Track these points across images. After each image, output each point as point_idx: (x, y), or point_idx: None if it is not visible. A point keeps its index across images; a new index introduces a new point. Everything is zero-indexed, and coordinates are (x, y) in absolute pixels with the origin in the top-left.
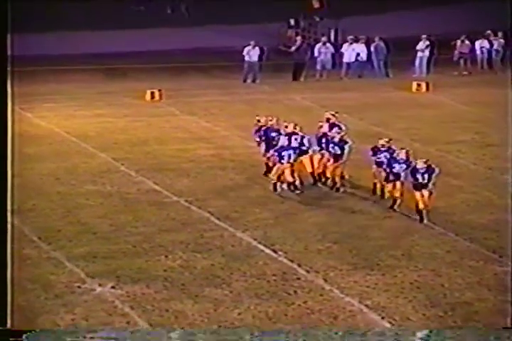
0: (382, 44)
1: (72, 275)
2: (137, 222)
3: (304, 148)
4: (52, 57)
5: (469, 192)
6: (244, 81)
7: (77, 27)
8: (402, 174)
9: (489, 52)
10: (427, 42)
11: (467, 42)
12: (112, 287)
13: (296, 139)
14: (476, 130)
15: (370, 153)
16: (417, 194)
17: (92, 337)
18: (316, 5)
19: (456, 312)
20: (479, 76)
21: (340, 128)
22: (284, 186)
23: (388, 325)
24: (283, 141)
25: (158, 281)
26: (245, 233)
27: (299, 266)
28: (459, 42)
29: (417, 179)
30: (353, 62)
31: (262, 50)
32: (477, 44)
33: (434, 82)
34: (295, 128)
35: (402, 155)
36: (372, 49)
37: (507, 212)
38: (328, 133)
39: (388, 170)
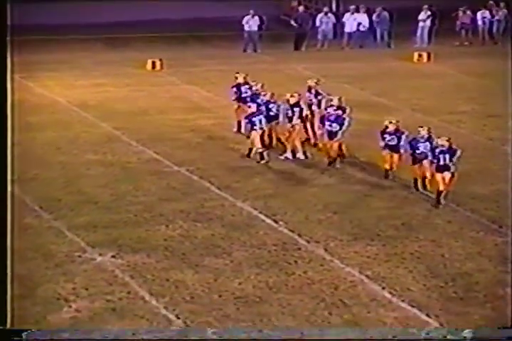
0: (385, 13)
1: (73, 245)
2: (138, 191)
3: (272, 113)
4: (53, 27)
5: (470, 162)
6: (245, 50)
7: None
8: (429, 154)
9: (491, 22)
10: (429, 13)
11: (469, 12)
12: (113, 256)
13: (272, 107)
14: (477, 100)
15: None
16: (438, 175)
17: (91, 337)
18: None
19: (457, 283)
20: (480, 46)
21: (338, 107)
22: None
23: (389, 296)
24: (253, 108)
25: (158, 251)
26: (246, 203)
27: (300, 236)
28: (460, 12)
29: (438, 159)
30: (355, 32)
31: (261, 19)
32: (479, 14)
33: (436, 53)
34: (272, 98)
35: (424, 133)
36: (374, 18)
37: (507, 183)
38: (329, 110)
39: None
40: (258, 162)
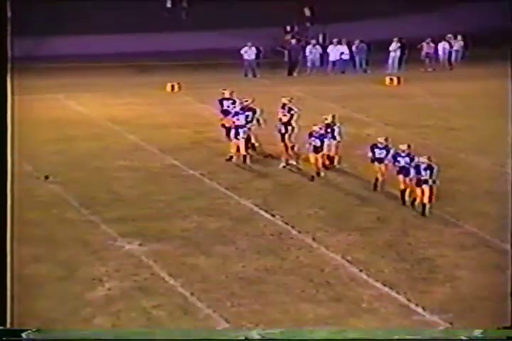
0: (363, 45)
1: (106, 235)
2: (160, 191)
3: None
4: (90, 56)
5: None
6: (246, 75)
7: (110, 31)
8: (411, 170)
9: (449, 52)
10: (399, 44)
11: (431, 44)
12: (139, 244)
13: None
14: (439, 116)
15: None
16: (418, 189)
17: (91, 337)
18: (308, 14)
19: (421, 266)
20: (441, 72)
21: (291, 114)
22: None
23: (365, 277)
24: (241, 119)
25: (176, 240)
26: (248, 200)
27: (293, 227)
28: (425, 44)
29: (420, 174)
30: (338, 60)
31: (258, 49)
32: (440, 46)
33: (405, 77)
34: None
35: (404, 148)
36: (354, 49)
37: (463, 183)
38: (315, 128)
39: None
40: (243, 162)
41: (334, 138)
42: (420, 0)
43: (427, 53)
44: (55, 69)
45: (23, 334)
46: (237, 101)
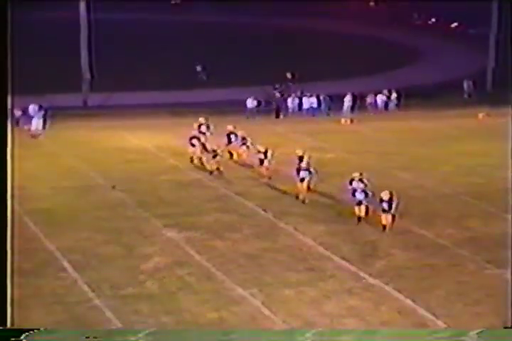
0: (326, 97)
1: (155, 226)
2: (190, 196)
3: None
4: (143, 105)
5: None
6: (247, 118)
7: (156, 88)
8: (364, 201)
9: (385, 102)
10: (351, 97)
11: (373, 96)
12: (177, 232)
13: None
14: (377, 145)
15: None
16: (383, 216)
17: (90, 337)
18: (289, 76)
19: (367, 247)
20: (379, 115)
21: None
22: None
23: (333, 255)
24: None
25: (201, 229)
26: (250, 202)
27: (280, 220)
28: (368, 96)
29: (382, 206)
30: (309, 108)
31: (258, 101)
32: (378, 97)
33: (355, 119)
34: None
35: (385, 195)
36: (321, 100)
37: (394, 190)
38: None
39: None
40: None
41: (310, 172)
42: (366, 66)
43: (370, 103)
44: (120, 115)
45: (23, 335)
46: (238, 134)
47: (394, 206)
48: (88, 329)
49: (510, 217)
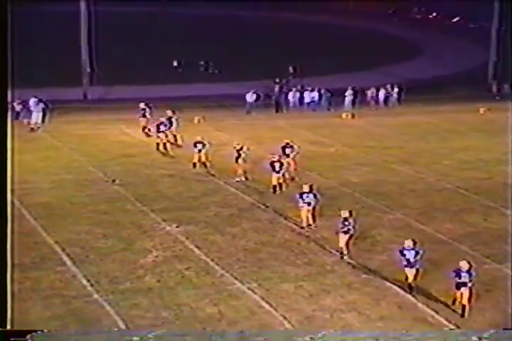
0: (327, 92)
1: (153, 220)
2: (189, 190)
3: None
4: (143, 99)
5: (370, 172)
6: (247, 113)
7: (158, 82)
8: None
9: (386, 97)
10: (352, 91)
11: (374, 91)
12: (176, 226)
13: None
14: (377, 140)
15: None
16: (408, 270)
17: (90, 338)
18: (291, 70)
19: (366, 241)
20: (380, 110)
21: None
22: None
23: (328, 248)
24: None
25: (200, 223)
26: (250, 197)
27: (280, 215)
28: (369, 91)
29: (406, 257)
30: (310, 102)
31: (257, 94)
32: (380, 92)
33: (356, 113)
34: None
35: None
36: (322, 93)
37: (394, 184)
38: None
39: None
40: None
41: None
42: (367, 61)
43: (371, 97)
44: (119, 108)
45: (28, 336)
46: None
47: (420, 256)
48: (89, 329)
49: (510, 212)
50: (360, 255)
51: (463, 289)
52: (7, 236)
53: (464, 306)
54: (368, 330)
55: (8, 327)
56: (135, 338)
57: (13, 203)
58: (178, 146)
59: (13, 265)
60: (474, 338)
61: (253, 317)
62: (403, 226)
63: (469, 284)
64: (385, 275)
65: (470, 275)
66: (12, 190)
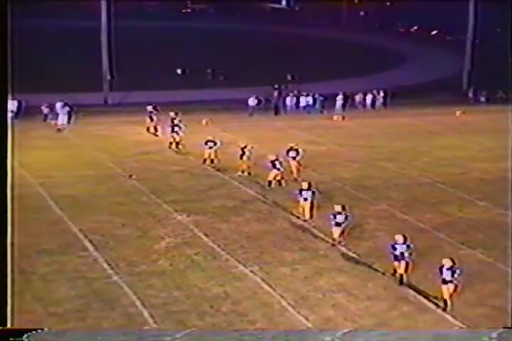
0: (321, 97)
1: (166, 211)
2: (198, 184)
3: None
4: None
5: (359, 169)
6: (250, 115)
7: (169, 88)
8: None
9: (373, 101)
10: (342, 96)
11: (362, 95)
12: (187, 216)
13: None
14: (365, 139)
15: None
16: (396, 263)
17: (90, 337)
18: (289, 78)
19: (355, 230)
20: (368, 113)
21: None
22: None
23: (322, 235)
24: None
25: (208, 213)
26: (251, 190)
27: (278, 206)
28: (358, 96)
29: (397, 251)
30: (305, 106)
31: (258, 99)
32: (367, 97)
33: (346, 116)
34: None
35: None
36: (316, 98)
37: (380, 179)
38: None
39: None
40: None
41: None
42: (356, 69)
43: (359, 101)
44: (136, 111)
45: (25, 335)
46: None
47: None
48: (94, 330)
49: (483, 203)
50: (350, 241)
51: (450, 285)
52: (7, 236)
53: (448, 298)
54: (379, 330)
55: (9, 326)
56: (133, 337)
57: (42, 195)
58: (156, 136)
59: (42, 250)
60: (485, 338)
61: (254, 296)
62: (388, 216)
63: (454, 281)
64: (371, 260)
65: (453, 272)
66: (41, 183)
